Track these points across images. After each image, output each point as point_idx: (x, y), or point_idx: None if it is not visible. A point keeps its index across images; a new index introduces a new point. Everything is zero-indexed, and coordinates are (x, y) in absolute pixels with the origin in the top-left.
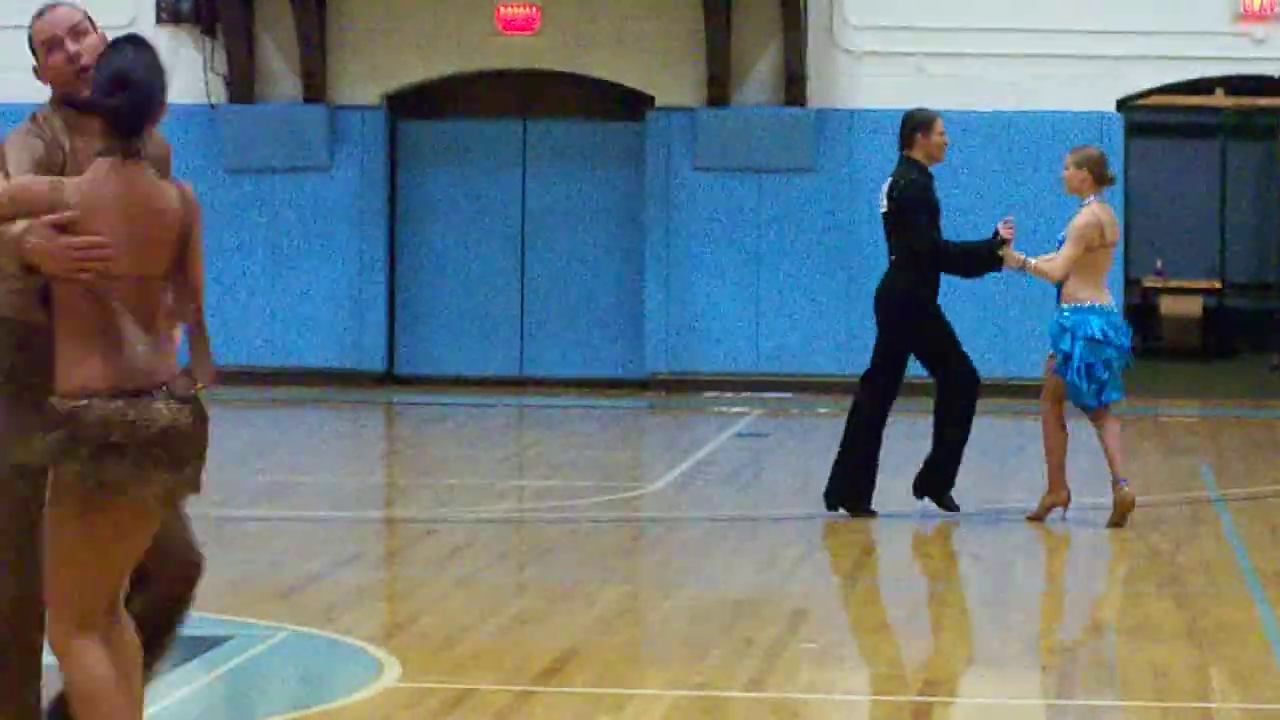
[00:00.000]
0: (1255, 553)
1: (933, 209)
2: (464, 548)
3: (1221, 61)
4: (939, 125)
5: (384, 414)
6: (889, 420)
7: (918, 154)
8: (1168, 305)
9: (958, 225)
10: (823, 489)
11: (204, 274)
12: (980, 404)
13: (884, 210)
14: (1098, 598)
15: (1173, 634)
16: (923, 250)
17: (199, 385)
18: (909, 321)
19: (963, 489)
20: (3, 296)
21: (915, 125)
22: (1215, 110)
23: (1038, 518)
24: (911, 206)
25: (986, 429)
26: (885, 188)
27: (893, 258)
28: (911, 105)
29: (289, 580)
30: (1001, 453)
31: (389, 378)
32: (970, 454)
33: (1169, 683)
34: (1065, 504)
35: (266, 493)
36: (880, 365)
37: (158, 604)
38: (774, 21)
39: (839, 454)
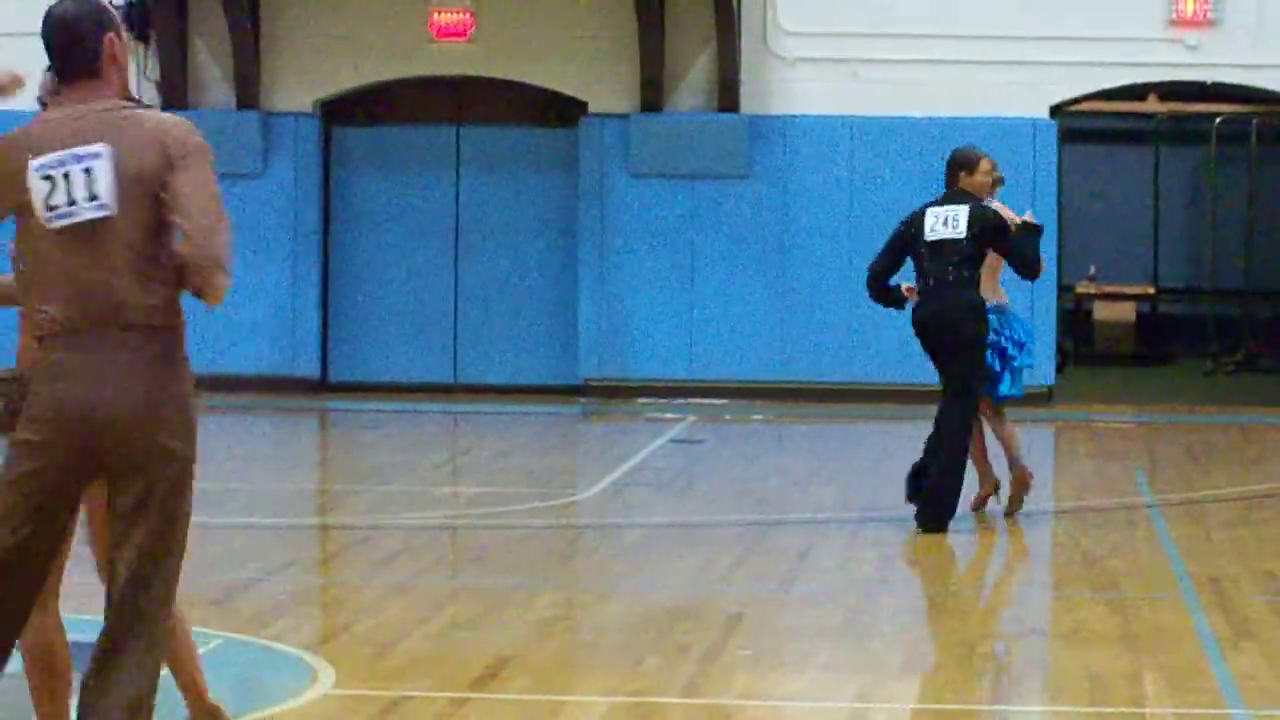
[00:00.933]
0: (1189, 558)
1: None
2: (398, 554)
3: (1155, 68)
4: (984, 165)
5: (318, 421)
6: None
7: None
8: (1101, 311)
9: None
10: (757, 495)
11: None
12: (907, 409)
13: (945, 237)
14: (1032, 603)
15: (1107, 639)
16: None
17: None
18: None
19: (901, 496)
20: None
21: (959, 164)
22: (1148, 117)
23: (975, 508)
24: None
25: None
26: (951, 215)
27: (959, 277)
28: (845, 111)
29: (222, 587)
30: None
31: (323, 385)
32: (909, 461)
33: (1103, 687)
34: (994, 491)
35: (200, 500)
36: (971, 384)
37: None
38: (707, 28)
39: (940, 475)
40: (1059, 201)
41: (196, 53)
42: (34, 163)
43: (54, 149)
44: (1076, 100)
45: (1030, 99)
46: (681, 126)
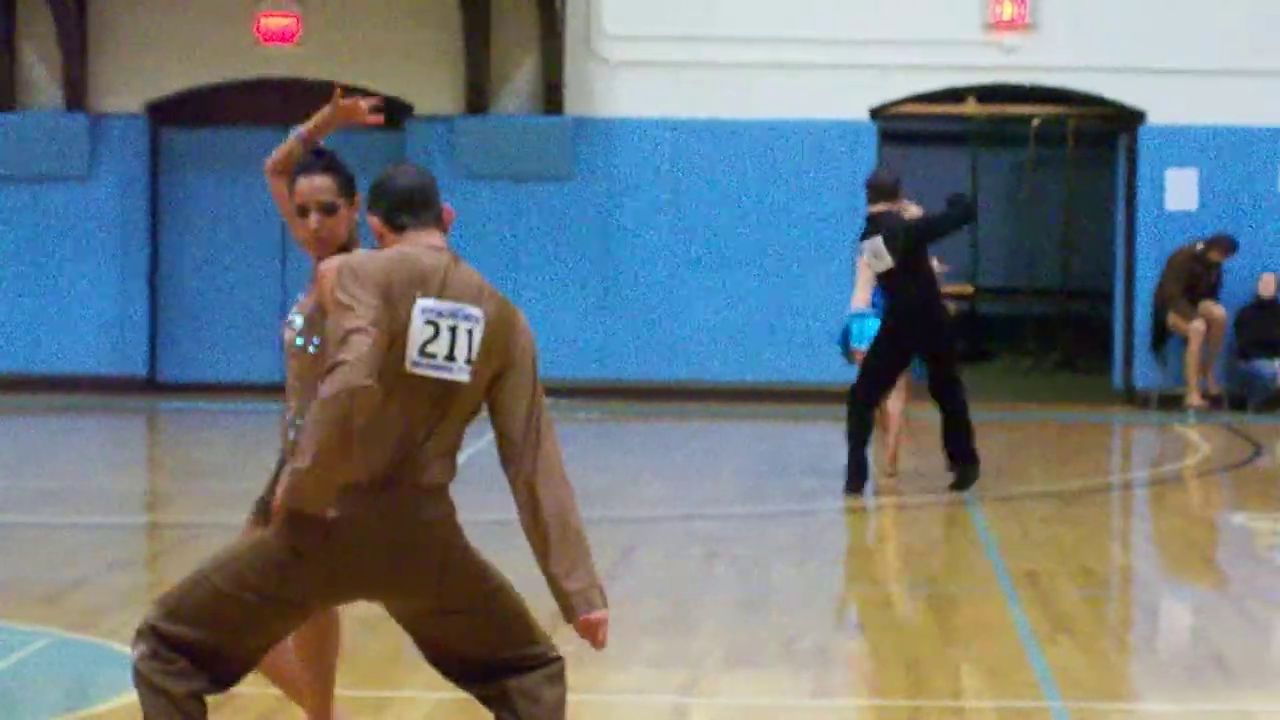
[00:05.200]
0: (1007, 553)
1: None
2: None
3: (972, 70)
4: None
5: (147, 420)
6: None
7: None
8: None
9: (713, 233)
10: (582, 492)
11: None
12: (730, 407)
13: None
14: (853, 597)
15: (926, 632)
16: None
17: None
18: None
19: (728, 493)
20: None
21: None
22: (967, 119)
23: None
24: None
25: (749, 433)
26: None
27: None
28: (668, 114)
29: (54, 585)
30: (765, 455)
31: (151, 384)
32: (734, 458)
33: (922, 681)
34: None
35: (32, 499)
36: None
37: None
38: (532, 31)
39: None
40: None
41: (24, 54)
42: (422, 302)
43: (449, 297)
44: (896, 103)
45: (850, 101)
46: (506, 128)
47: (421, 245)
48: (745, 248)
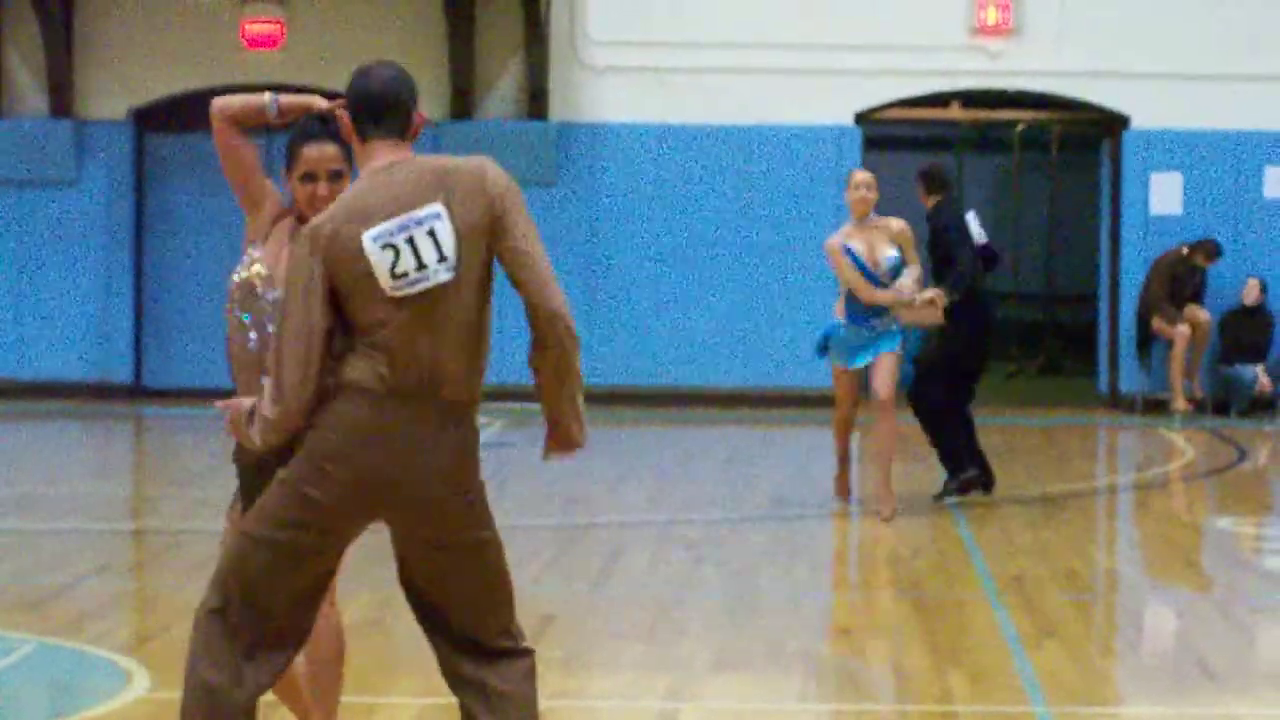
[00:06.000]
0: (992, 558)
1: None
2: (213, 559)
3: (957, 75)
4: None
5: (132, 426)
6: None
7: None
8: (907, 316)
9: (698, 238)
10: (567, 497)
11: None
12: (714, 412)
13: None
14: (839, 602)
15: (912, 637)
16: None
17: None
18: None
19: (713, 498)
20: None
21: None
22: (951, 124)
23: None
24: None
25: (733, 438)
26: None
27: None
28: (653, 119)
29: (38, 591)
30: (750, 460)
31: (136, 390)
32: (719, 463)
33: (909, 686)
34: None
35: (15, 505)
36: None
37: None
38: (516, 36)
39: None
40: None
41: (9, 60)
42: (368, 234)
43: (389, 216)
44: (881, 108)
45: (835, 107)
46: (491, 134)
47: (378, 162)
48: (730, 253)
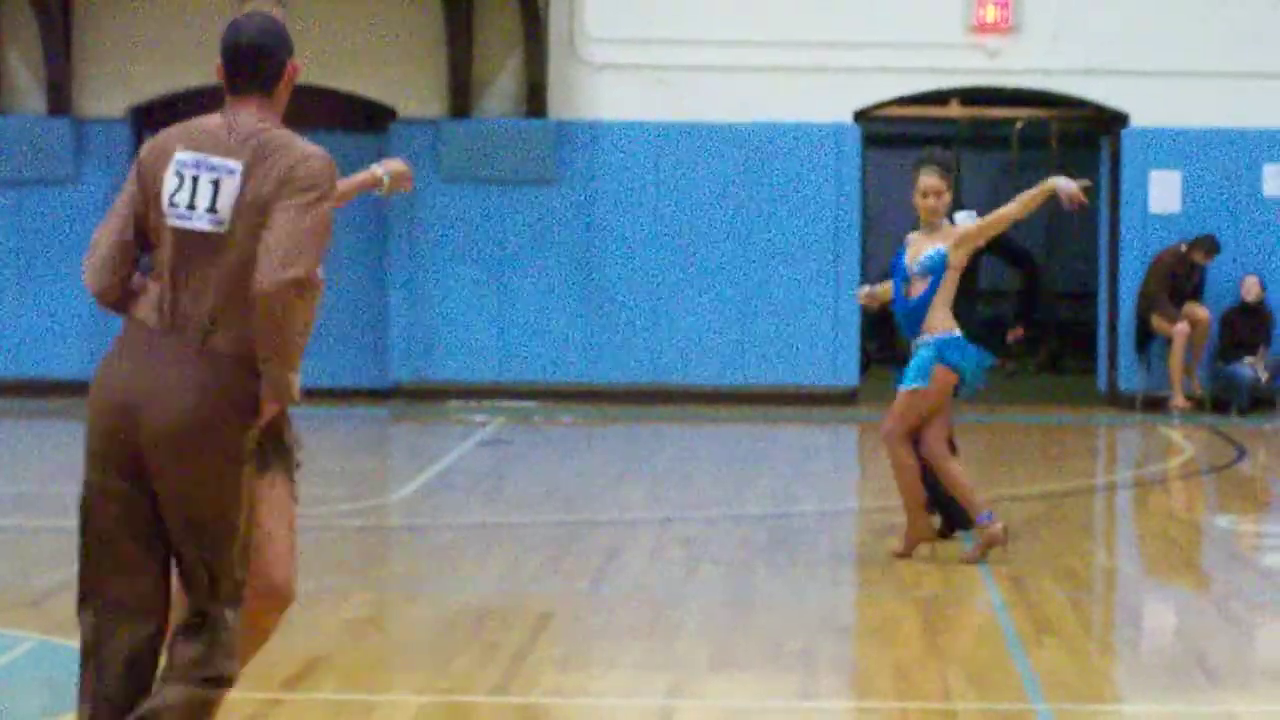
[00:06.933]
0: (991, 556)
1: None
2: None
3: (956, 73)
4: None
5: None
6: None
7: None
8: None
9: (697, 236)
10: (566, 496)
11: None
12: (712, 411)
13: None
14: (838, 600)
15: (912, 635)
16: None
17: None
18: None
19: (710, 496)
20: None
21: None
22: (950, 122)
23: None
24: None
25: (731, 436)
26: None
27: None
28: (652, 117)
29: (38, 589)
30: (747, 458)
31: None
32: (716, 461)
33: (909, 684)
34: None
35: (15, 503)
36: None
37: None
38: (515, 33)
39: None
40: (863, 206)
41: (8, 58)
42: (178, 155)
43: (200, 151)
44: (879, 105)
45: (834, 104)
46: (490, 131)
47: (226, 113)
48: (728, 250)
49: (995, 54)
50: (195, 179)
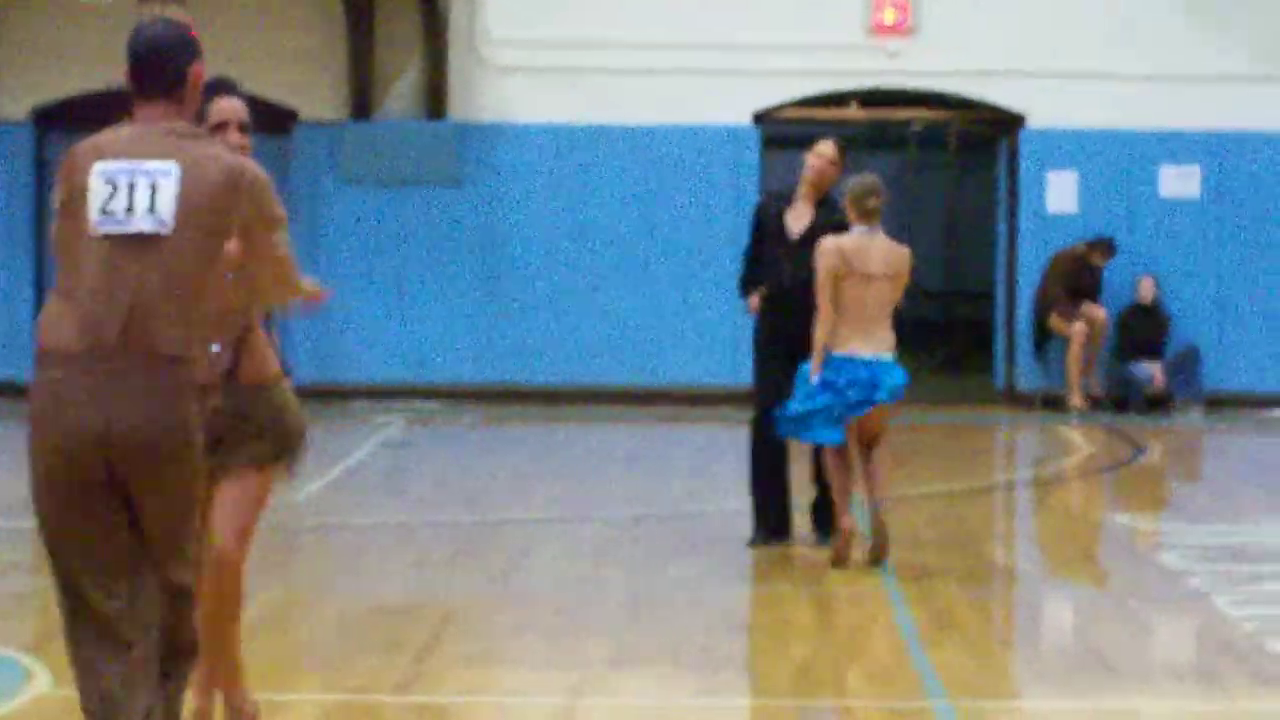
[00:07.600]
0: (892, 553)
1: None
2: None
3: (855, 75)
4: (816, 146)
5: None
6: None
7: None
8: None
9: (599, 238)
10: (471, 495)
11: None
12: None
13: None
14: (738, 598)
15: (810, 632)
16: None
17: None
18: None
19: (616, 495)
20: None
21: None
22: (850, 123)
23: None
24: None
25: (636, 435)
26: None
27: None
28: (556, 119)
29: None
30: (653, 457)
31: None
32: (622, 461)
33: (807, 680)
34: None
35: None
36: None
37: None
38: (416, 35)
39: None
40: None
41: None
42: (99, 165)
43: (130, 158)
44: (779, 107)
45: (735, 107)
46: (392, 134)
47: (134, 123)
48: (631, 252)
49: (895, 55)
50: (131, 185)
